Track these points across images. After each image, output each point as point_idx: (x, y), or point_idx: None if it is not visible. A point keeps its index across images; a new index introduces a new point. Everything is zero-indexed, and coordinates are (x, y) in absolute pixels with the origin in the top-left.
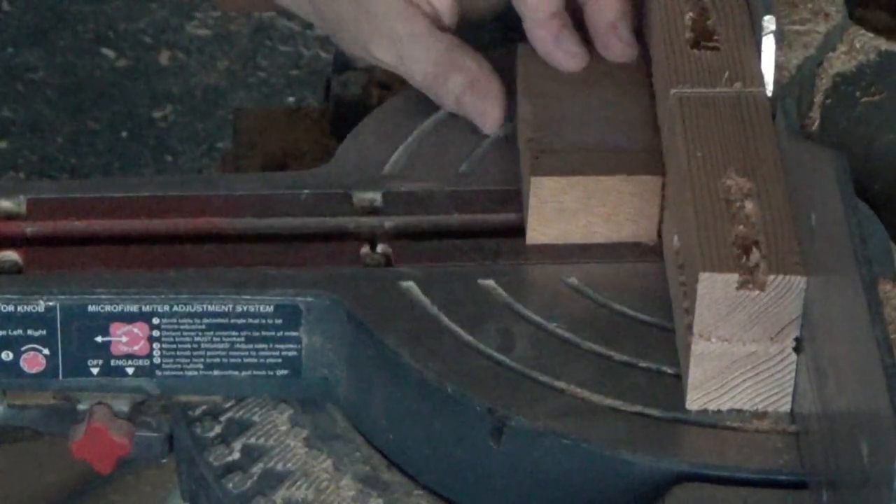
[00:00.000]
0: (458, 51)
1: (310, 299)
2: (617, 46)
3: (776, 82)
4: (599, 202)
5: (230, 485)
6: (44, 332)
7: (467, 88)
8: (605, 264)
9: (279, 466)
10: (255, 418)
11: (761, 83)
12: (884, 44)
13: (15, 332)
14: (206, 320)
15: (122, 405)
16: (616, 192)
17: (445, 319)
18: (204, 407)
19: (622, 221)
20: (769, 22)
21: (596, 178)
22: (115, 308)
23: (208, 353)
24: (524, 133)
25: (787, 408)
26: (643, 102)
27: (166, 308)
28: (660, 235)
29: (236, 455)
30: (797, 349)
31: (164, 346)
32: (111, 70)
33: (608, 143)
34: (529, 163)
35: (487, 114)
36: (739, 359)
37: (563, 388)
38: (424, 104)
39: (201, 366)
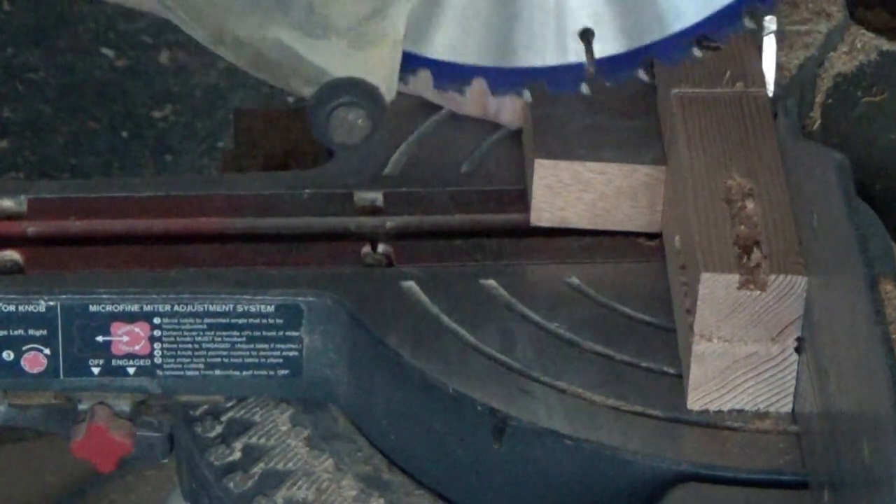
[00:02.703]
0: None
1: (311, 299)
2: None
3: (777, 82)
4: (603, 187)
5: (231, 485)
6: (45, 332)
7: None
8: (605, 264)
9: (280, 466)
10: (256, 418)
11: (762, 83)
12: (885, 44)
13: (16, 332)
14: (207, 320)
15: (123, 405)
16: (621, 179)
17: (446, 319)
18: (205, 407)
19: (626, 209)
20: (770, 22)
21: (601, 164)
22: (116, 308)
23: (209, 353)
24: (530, 114)
25: (788, 408)
26: (644, 96)
27: (167, 308)
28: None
29: (237, 455)
30: (798, 349)
31: (165, 345)
32: (111, 70)
33: (613, 129)
34: (533, 144)
35: (511, 106)
36: (741, 359)
37: (564, 388)
38: (425, 104)
39: (202, 365)
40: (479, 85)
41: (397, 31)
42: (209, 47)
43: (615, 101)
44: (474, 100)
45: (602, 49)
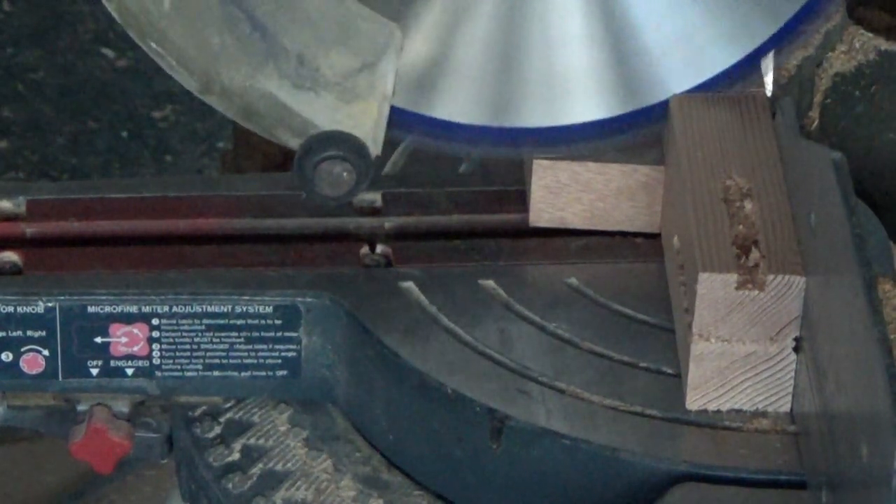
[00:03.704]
0: None
1: (309, 300)
2: None
3: (776, 82)
4: (602, 188)
5: (230, 485)
6: (43, 333)
7: None
8: (604, 264)
9: (279, 467)
10: (255, 419)
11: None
12: (883, 43)
13: (14, 334)
14: (205, 321)
15: (122, 406)
16: (620, 179)
17: (445, 320)
18: (204, 407)
19: (625, 209)
20: None
21: (600, 165)
22: (114, 309)
23: (208, 354)
24: None
25: (786, 408)
26: None
27: (166, 309)
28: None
29: (236, 455)
30: (797, 349)
31: (163, 346)
32: (111, 70)
33: None
34: None
35: None
36: (739, 359)
37: (562, 388)
38: None
39: (201, 366)
40: None
41: (386, 85)
42: (197, 95)
43: None
44: None
45: (600, 111)
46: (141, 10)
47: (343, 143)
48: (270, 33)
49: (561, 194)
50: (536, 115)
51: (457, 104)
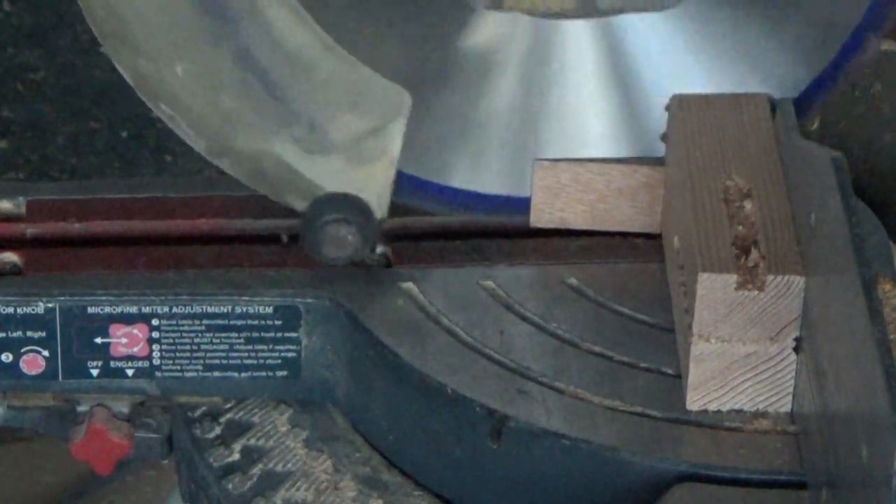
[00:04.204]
0: None
1: (309, 300)
2: None
3: None
4: (603, 188)
5: (230, 486)
6: (43, 334)
7: None
8: (604, 265)
9: (279, 467)
10: (255, 419)
11: None
12: (883, 44)
13: (14, 334)
14: (205, 321)
15: (122, 406)
16: (621, 180)
17: (445, 320)
18: (204, 408)
19: (626, 209)
20: None
21: (600, 165)
22: (114, 309)
23: (208, 355)
24: None
25: (786, 408)
26: None
27: (166, 309)
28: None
29: (236, 456)
30: (797, 349)
31: (163, 347)
32: (111, 70)
33: None
34: None
35: None
36: (739, 359)
37: (562, 389)
38: None
39: (201, 367)
40: None
41: (394, 149)
42: (208, 158)
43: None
44: None
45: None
46: (153, 73)
47: (349, 206)
48: (283, 98)
49: (561, 195)
50: None
51: (477, 173)
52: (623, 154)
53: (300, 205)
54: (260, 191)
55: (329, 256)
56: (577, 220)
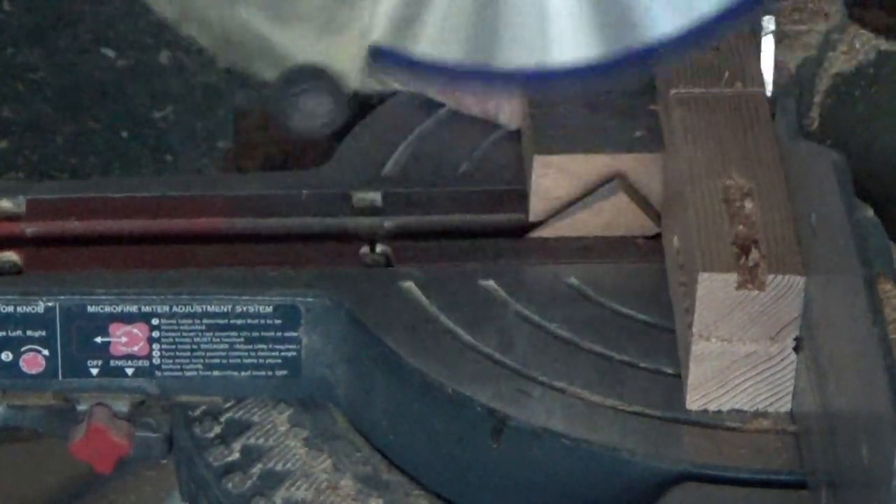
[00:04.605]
0: None
1: (309, 299)
2: None
3: (776, 82)
4: (598, 179)
5: (230, 485)
6: (43, 333)
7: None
8: (605, 264)
9: (279, 467)
10: (255, 418)
11: (761, 83)
12: (883, 43)
13: (14, 333)
14: (205, 321)
15: (122, 405)
16: (616, 169)
17: (445, 319)
18: (203, 407)
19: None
20: (769, 22)
21: (596, 157)
22: (114, 308)
23: (208, 354)
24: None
25: (786, 408)
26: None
27: (166, 308)
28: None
29: (236, 455)
30: (797, 349)
31: (163, 346)
32: (111, 70)
33: (608, 126)
34: (532, 140)
35: (510, 109)
36: (739, 358)
37: (563, 388)
38: (424, 104)
39: (201, 366)
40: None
41: (365, 21)
42: (174, 25)
43: (614, 100)
44: (473, 99)
45: (580, 53)
46: None
47: (320, 77)
48: None
49: (559, 187)
50: (517, 55)
51: (439, 42)
52: (592, 31)
53: (269, 74)
54: (228, 60)
55: (299, 127)
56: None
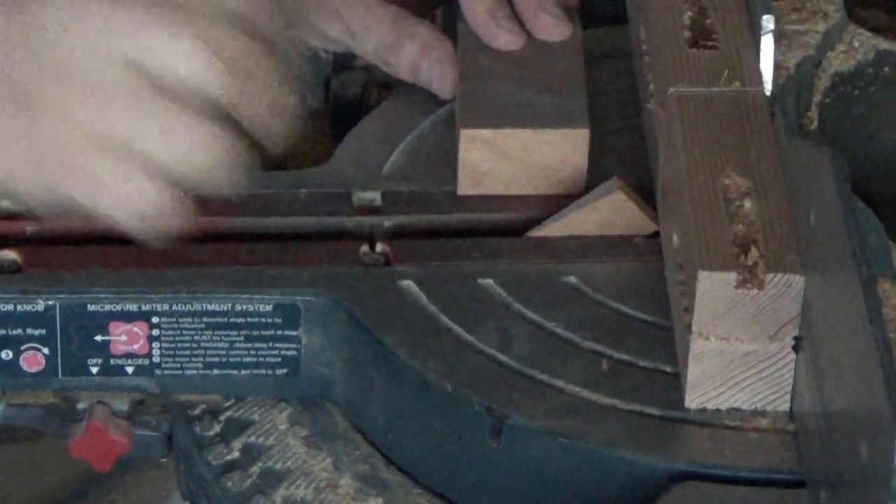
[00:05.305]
0: (407, 19)
1: (309, 298)
2: (548, 23)
3: (775, 81)
4: (525, 154)
5: (229, 484)
6: (43, 332)
7: (422, 55)
8: (603, 263)
9: (278, 465)
10: (255, 417)
11: (760, 82)
12: (882, 43)
13: (14, 332)
14: (205, 319)
15: (122, 404)
16: (540, 144)
17: (444, 319)
18: (203, 406)
19: (549, 174)
20: (768, 21)
21: (521, 131)
22: (114, 307)
23: (208, 353)
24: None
25: (785, 407)
26: (575, 76)
27: (166, 307)
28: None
29: (236, 454)
30: (796, 348)
31: (163, 345)
32: None
33: (536, 102)
34: (459, 117)
35: (444, 78)
36: (738, 357)
37: (561, 387)
38: (424, 104)
39: (201, 365)
40: (414, 49)
41: None
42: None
43: (544, 77)
44: (408, 64)
45: None
46: None
47: None
48: None
49: (485, 162)
50: None
51: None
52: None
53: None
54: None
55: None
56: (499, 187)
